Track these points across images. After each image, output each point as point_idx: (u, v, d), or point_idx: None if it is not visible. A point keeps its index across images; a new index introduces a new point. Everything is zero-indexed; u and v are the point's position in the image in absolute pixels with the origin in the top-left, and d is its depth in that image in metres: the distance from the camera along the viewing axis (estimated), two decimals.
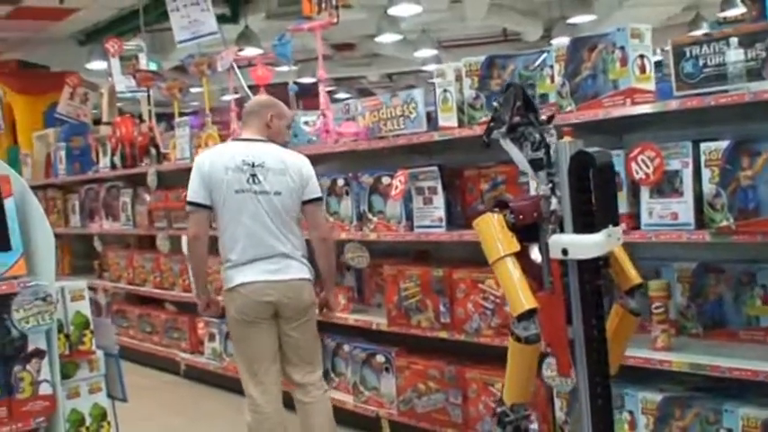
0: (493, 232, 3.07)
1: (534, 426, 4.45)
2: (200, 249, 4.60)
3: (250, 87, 6.93)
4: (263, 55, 7.58)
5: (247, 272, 4.46)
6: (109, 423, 4.04)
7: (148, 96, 8.82)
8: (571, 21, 13.18)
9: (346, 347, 5.86)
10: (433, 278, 5.00)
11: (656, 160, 3.82)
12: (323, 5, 5.73)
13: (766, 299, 3.90)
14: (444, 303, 4.92)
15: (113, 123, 9.04)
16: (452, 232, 4.92)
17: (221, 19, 10.23)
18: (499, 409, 3.15)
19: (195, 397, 7.21)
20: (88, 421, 3.95)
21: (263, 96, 5.17)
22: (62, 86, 11.00)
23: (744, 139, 3.61)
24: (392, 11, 11.99)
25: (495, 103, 3.29)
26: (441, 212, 4.98)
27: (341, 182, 5.70)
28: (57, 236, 3.99)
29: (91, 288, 4.00)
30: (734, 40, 3.65)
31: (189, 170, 4.64)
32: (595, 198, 2.97)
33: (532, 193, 3.18)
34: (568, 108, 4.26)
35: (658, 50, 5.59)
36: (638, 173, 3.89)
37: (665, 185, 3.85)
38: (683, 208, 3.79)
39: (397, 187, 5.08)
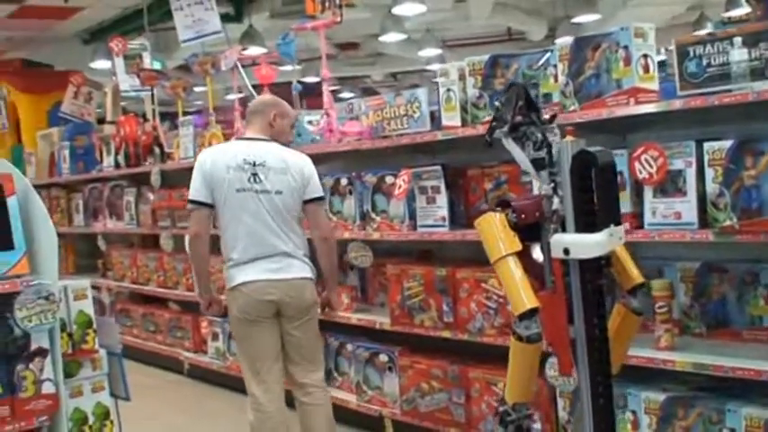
0: (495, 231, 3.07)
1: (537, 425, 4.45)
2: (201, 248, 4.61)
3: (254, 86, 6.93)
4: (267, 54, 7.57)
5: (249, 271, 4.46)
6: (112, 422, 4.05)
7: (152, 95, 8.83)
8: (576, 20, 13.16)
9: (349, 347, 5.86)
10: (436, 277, 5.00)
11: (660, 160, 3.82)
12: (326, 4, 5.72)
13: None
14: (447, 303, 4.92)
15: (117, 122, 9.05)
16: (455, 232, 4.92)
17: (225, 18, 10.23)
18: (501, 409, 3.15)
19: (198, 396, 7.22)
20: (91, 420, 3.96)
21: (266, 96, 5.17)
22: (66, 85, 11.01)
23: (747, 139, 3.60)
24: (396, 10, 12.00)
25: (497, 103, 3.29)
26: (444, 212, 4.98)
27: (344, 181, 5.70)
28: (60, 235, 4.00)
29: (95, 287, 4.01)
30: (738, 40, 3.64)
31: (192, 169, 4.64)
32: (597, 197, 2.97)
33: (535, 192, 3.18)
34: (572, 107, 4.25)
35: (662, 50, 5.58)
36: (641, 172, 3.89)
37: (669, 185, 3.84)
38: (687, 207, 3.78)
39: (400, 186, 5.07)
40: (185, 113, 8.06)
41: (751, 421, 3.53)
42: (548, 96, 4.47)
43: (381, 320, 5.48)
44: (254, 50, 10.45)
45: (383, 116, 5.39)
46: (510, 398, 3.14)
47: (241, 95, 7.55)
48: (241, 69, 7.00)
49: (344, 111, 5.91)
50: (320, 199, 4.67)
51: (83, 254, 10.35)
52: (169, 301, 8.36)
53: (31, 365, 3.66)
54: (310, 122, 6.15)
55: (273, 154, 4.52)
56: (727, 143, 3.62)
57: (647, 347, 3.97)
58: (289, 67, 8.58)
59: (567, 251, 2.96)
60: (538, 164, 3.11)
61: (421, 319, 5.11)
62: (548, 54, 4.49)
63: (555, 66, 4.40)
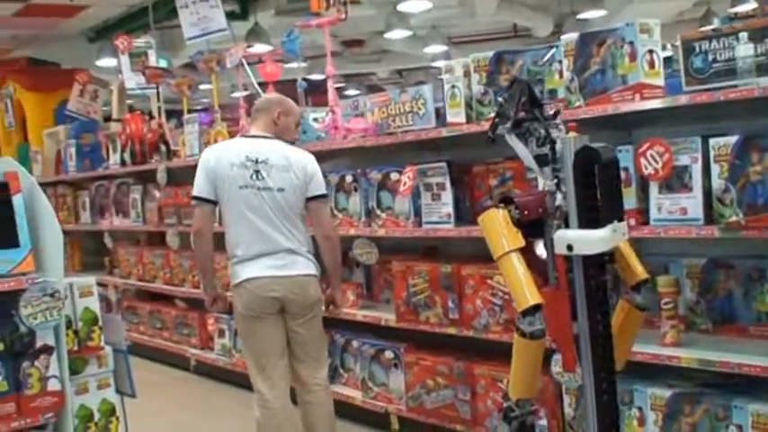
0: (498, 228, 3.07)
1: (543, 422, 4.45)
2: (204, 244, 4.62)
3: (259, 84, 6.93)
4: (273, 51, 7.57)
5: (253, 267, 4.47)
6: (117, 419, 4.05)
7: (158, 93, 8.82)
8: (581, 16, 13.14)
9: (355, 343, 5.86)
10: (441, 274, 4.99)
11: (665, 156, 3.81)
12: (331, 2, 5.72)
13: None
14: (453, 299, 4.92)
15: (123, 120, 9.05)
16: (461, 228, 4.91)
17: (231, 15, 10.24)
18: (505, 405, 3.15)
19: (205, 393, 7.22)
20: (97, 417, 3.96)
21: (272, 94, 5.18)
22: (72, 83, 11.04)
23: (753, 135, 3.58)
24: (401, 7, 12.01)
25: (500, 99, 3.29)
26: (449, 208, 4.97)
27: (349, 178, 5.69)
28: (67, 232, 4.00)
29: (102, 284, 4.03)
30: (743, 35, 3.63)
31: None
32: (600, 193, 2.96)
33: (540, 188, 3.17)
34: (577, 103, 4.24)
35: (669, 46, 5.57)
36: (647, 168, 3.88)
37: (674, 181, 3.83)
38: (693, 203, 3.77)
39: (405, 183, 5.07)
40: (191, 111, 8.06)
41: (758, 417, 3.52)
42: (553, 92, 4.46)
43: (387, 317, 5.48)
44: (259, 48, 10.46)
45: (388, 113, 5.39)
46: (514, 394, 3.14)
47: (246, 93, 7.55)
48: (246, 67, 7.00)
49: (349, 108, 5.92)
50: (323, 197, 4.66)
51: (89, 251, 10.36)
52: (175, 298, 8.37)
53: (36, 363, 3.66)
54: (316, 120, 6.15)
55: (276, 151, 4.52)
56: (733, 139, 3.61)
57: (653, 344, 3.97)
58: (294, 65, 8.57)
59: (570, 247, 2.95)
60: (541, 160, 3.10)
61: (426, 315, 5.11)
62: (553, 50, 4.49)
63: (560, 62, 4.39)
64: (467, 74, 4.86)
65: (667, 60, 4.35)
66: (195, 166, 4.64)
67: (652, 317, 4.06)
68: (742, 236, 3.59)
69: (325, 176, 4.81)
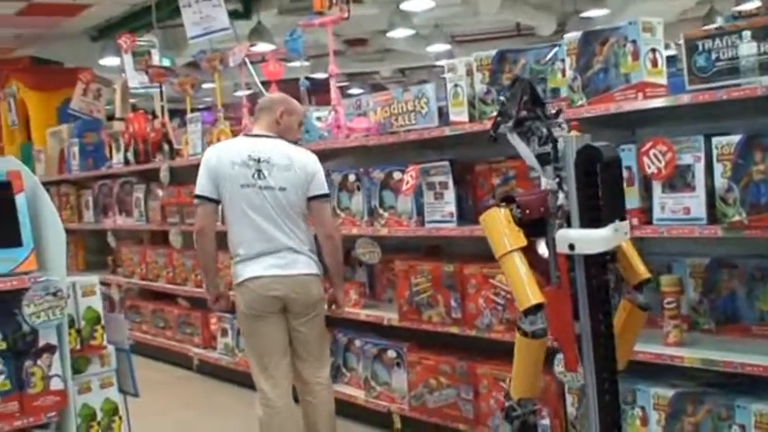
0: (499, 227, 3.07)
1: (546, 421, 4.45)
2: (206, 243, 4.63)
3: (262, 83, 6.93)
4: (275, 50, 7.57)
5: (255, 266, 4.48)
6: (120, 418, 4.06)
7: (161, 92, 8.82)
8: (585, 15, 13.13)
9: (358, 343, 5.86)
10: (444, 273, 4.99)
11: (668, 155, 3.80)
12: (334, 1, 5.72)
13: None
14: (455, 298, 4.92)
15: (126, 119, 9.06)
16: (463, 227, 4.91)
17: (234, 14, 10.23)
18: (507, 404, 3.15)
19: (208, 392, 7.23)
20: (99, 416, 3.96)
21: (276, 93, 5.17)
22: (75, 82, 11.04)
23: (756, 134, 3.57)
24: (404, 6, 12.00)
25: (501, 98, 3.29)
26: (452, 207, 4.97)
27: (352, 177, 5.69)
28: (70, 232, 4.01)
29: (105, 283, 4.02)
30: (747, 34, 3.62)
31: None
32: (602, 193, 2.96)
33: (543, 187, 3.16)
34: (580, 102, 4.24)
35: (672, 45, 5.56)
36: (650, 167, 3.87)
37: (677, 180, 3.82)
38: (696, 203, 3.77)
39: (408, 182, 5.07)
40: (194, 110, 8.06)
41: (761, 417, 3.51)
42: (555, 91, 4.46)
43: (389, 316, 5.48)
44: (262, 47, 10.46)
45: (391, 112, 5.39)
46: (515, 393, 3.14)
47: (249, 92, 7.55)
48: (249, 66, 7.00)
49: (352, 107, 5.91)
50: (324, 196, 4.65)
51: (93, 250, 10.38)
52: (178, 297, 8.38)
53: (39, 362, 3.66)
54: (319, 119, 6.15)
55: (278, 150, 4.52)
56: (736, 138, 3.60)
57: (656, 343, 3.97)
58: (297, 64, 8.57)
59: (572, 246, 2.95)
60: (543, 159, 3.10)
61: (429, 314, 5.10)
62: (555, 49, 4.48)
63: (563, 60, 4.39)
64: (469, 73, 4.85)
65: (671, 59, 4.34)
66: (198, 166, 4.64)
67: (655, 316, 4.05)
68: (745, 235, 3.58)
69: (327, 175, 4.80)
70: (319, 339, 4.70)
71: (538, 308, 2.95)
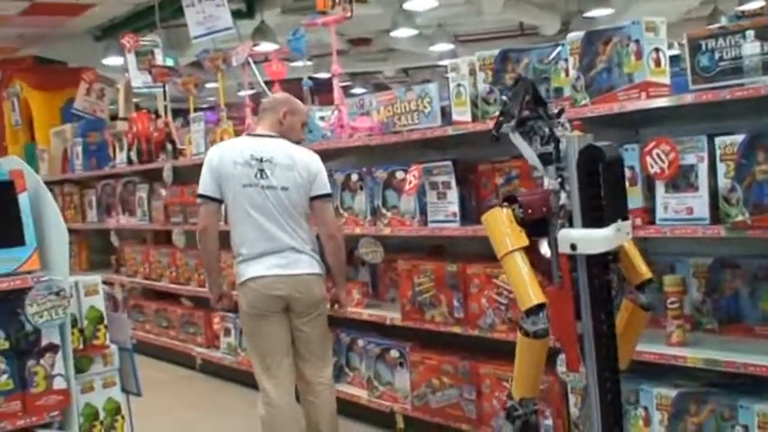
0: (501, 227, 3.06)
1: (549, 421, 4.44)
2: (209, 242, 4.64)
3: (265, 83, 6.93)
4: (279, 50, 7.57)
5: (257, 266, 4.48)
6: (123, 417, 4.07)
7: (164, 92, 8.83)
8: (589, 14, 13.11)
9: (360, 342, 5.86)
10: (446, 273, 4.99)
11: (672, 154, 3.79)
12: (337, 0, 5.72)
13: None
14: (458, 298, 4.91)
15: (130, 119, 9.06)
16: (466, 227, 4.90)
17: (237, 14, 10.22)
18: (508, 404, 3.15)
19: (210, 391, 7.23)
20: (102, 415, 3.97)
21: (279, 93, 5.17)
22: (79, 82, 11.04)
23: (759, 133, 3.57)
24: (408, 5, 12.00)
25: (504, 97, 3.28)
26: (455, 207, 4.97)
27: (355, 177, 5.69)
28: (74, 231, 4.01)
29: (108, 283, 4.03)
30: (750, 33, 3.61)
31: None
32: (604, 192, 2.96)
33: (546, 187, 3.16)
34: (583, 102, 4.23)
35: (675, 44, 5.55)
36: (653, 167, 3.86)
37: (681, 180, 3.82)
38: (699, 203, 3.76)
39: (410, 182, 5.07)
40: (197, 110, 8.06)
41: (764, 417, 3.51)
42: (559, 91, 4.45)
43: (392, 316, 5.48)
44: (265, 46, 10.46)
45: (394, 111, 5.38)
46: (517, 393, 3.14)
47: (253, 92, 7.55)
48: (253, 65, 7.00)
49: (355, 106, 5.91)
50: (327, 196, 4.65)
51: (96, 250, 10.38)
52: (181, 296, 8.38)
53: (42, 361, 3.67)
54: (322, 118, 6.15)
55: (281, 150, 4.53)
56: (740, 138, 3.59)
57: (659, 343, 3.97)
58: (300, 63, 8.57)
59: (573, 246, 2.95)
60: (545, 159, 3.10)
61: (432, 314, 5.10)
62: (559, 48, 4.48)
63: (566, 60, 4.38)
64: (472, 72, 4.85)
65: (674, 59, 4.34)
66: (201, 165, 4.65)
67: (658, 316, 4.05)
68: (748, 235, 3.57)
69: (330, 175, 4.80)
70: (322, 339, 4.70)
71: (540, 308, 2.95)
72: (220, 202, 4.59)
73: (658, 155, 3.83)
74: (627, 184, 3.86)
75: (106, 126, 10.25)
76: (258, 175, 4.46)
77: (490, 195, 4.90)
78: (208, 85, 9.81)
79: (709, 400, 3.75)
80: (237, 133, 6.83)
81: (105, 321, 3.99)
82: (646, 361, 3.87)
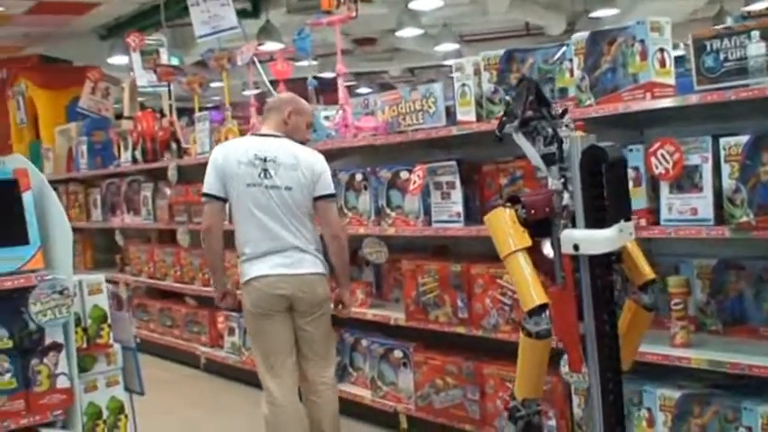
0: (504, 227, 3.06)
1: (552, 422, 4.44)
2: (214, 241, 4.64)
3: (270, 82, 6.93)
4: (284, 50, 7.57)
5: (261, 265, 4.49)
6: (126, 416, 4.07)
7: (169, 91, 8.83)
8: (594, 14, 13.10)
9: (364, 342, 5.86)
10: (451, 273, 4.98)
11: (676, 155, 3.79)
12: (342, 0, 5.72)
13: None
14: (462, 298, 4.91)
15: (134, 118, 9.07)
16: (471, 227, 4.90)
17: (242, 14, 10.24)
18: (511, 404, 3.14)
19: (215, 390, 7.23)
20: (105, 414, 3.97)
21: (285, 93, 5.17)
22: (84, 81, 11.05)
23: (764, 134, 3.55)
24: (413, 5, 11.99)
25: (507, 98, 3.29)
26: (459, 207, 4.96)
27: (359, 176, 5.69)
28: (79, 230, 4.01)
29: (113, 282, 4.03)
30: (755, 34, 3.60)
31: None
32: (607, 193, 2.96)
33: (550, 188, 3.16)
34: (588, 102, 4.23)
35: (681, 45, 5.54)
36: (657, 168, 3.86)
37: (685, 181, 3.81)
38: (703, 203, 3.75)
39: (415, 182, 5.06)
40: (202, 109, 8.06)
41: (767, 419, 3.50)
42: (563, 91, 4.45)
43: (396, 316, 5.47)
44: (270, 46, 10.47)
45: (398, 111, 5.38)
46: (519, 393, 3.14)
47: (258, 91, 7.55)
48: (258, 65, 7.00)
49: (360, 106, 5.91)
50: (330, 196, 4.64)
51: (101, 249, 10.40)
52: (186, 295, 8.38)
53: (45, 360, 3.67)
54: (327, 118, 6.15)
55: (285, 150, 4.53)
56: (744, 138, 3.58)
57: (663, 344, 3.96)
58: (305, 63, 8.57)
59: (576, 247, 2.95)
60: (548, 159, 3.10)
61: (436, 314, 5.10)
62: (563, 48, 4.47)
63: (571, 60, 4.38)
64: (477, 72, 4.84)
65: (679, 59, 4.33)
66: (206, 164, 4.65)
67: (662, 317, 4.05)
68: (753, 236, 3.56)
69: (334, 175, 4.79)
70: (325, 339, 4.70)
71: (542, 308, 2.95)
72: (225, 201, 4.59)
73: (663, 155, 3.82)
74: (631, 184, 3.87)
75: (111, 125, 10.25)
76: (262, 175, 4.46)
77: (494, 195, 4.90)
78: (213, 85, 9.85)
79: (713, 402, 3.74)
80: (242, 133, 6.83)
81: (109, 320, 3.99)
82: (649, 362, 3.87)
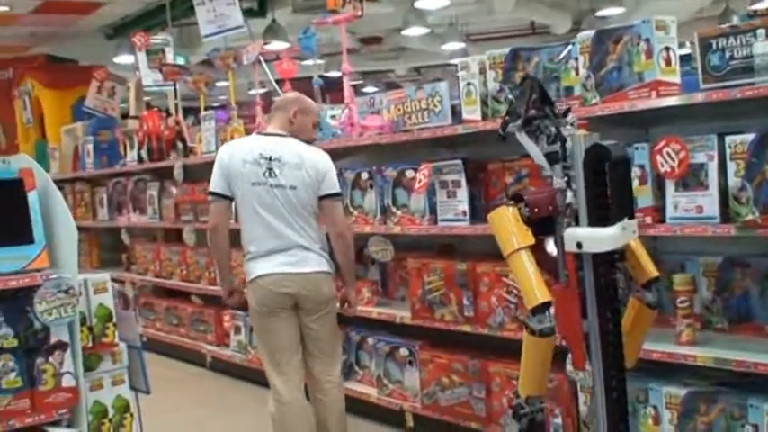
0: (507, 225, 3.07)
1: (558, 420, 4.44)
2: (220, 240, 4.66)
3: (276, 81, 6.94)
4: (290, 49, 7.58)
5: (266, 264, 4.50)
6: (132, 415, 4.07)
7: (175, 90, 8.85)
8: (600, 13, 13.09)
9: (370, 340, 5.86)
10: (456, 272, 4.98)
11: (682, 153, 3.78)
12: None
13: None
14: (468, 297, 4.91)
15: (140, 117, 9.08)
16: (476, 226, 4.90)
17: (249, 13, 10.26)
18: (515, 402, 3.15)
19: (221, 389, 7.24)
20: (111, 413, 3.97)
21: (291, 93, 5.17)
22: (90, 80, 11.06)
23: None
24: (419, 4, 12.00)
25: (510, 96, 3.29)
26: (464, 206, 4.96)
27: (365, 175, 5.69)
28: (85, 229, 4.02)
29: (119, 281, 4.03)
30: (761, 32, 3.59)
31: (214, 164, 4.67)
32: (611, 191, 2.96)
33: (555, 186, 3.16)
34: (593, 101, 4.22)
35: (687, 43, 5.54)
36: (663, 166, 3.85)
37: (691, 179, 3.80)
38: (709, 201, 3.74)
39: (420, 181, 5.07)
40: (208, 108, 8.07)
41: None
42: (569, 90, 4.44)
43: (402, 314, 5.48)
44: (276, 45, 10.48)
45: (404, 110, 5.38)
46: (523, 391, 3.14)
47: (263, 90, 7.56)
48: (264, 64, 7.00)
49: (366, 105, 5.91)
50: (335, 195, 4.64)
51: (107, 248, 10.42)
52: (192, 294, 8.39)
53: (50, 359, 3.67)
54: (333, 117, 6.15)
55: (289, 149, 4.53)
56: (750, 137, 3.58)
57: (669, 342, 3.95)
58: (311, 62, 8.57)
59: (579, 245, 2.95)
60: (551, 158, 3.10)
61: (441, 313, 5.10)
62: (569, 47, 4.47)
63: (576, 59, 4.37)
64: (482, 71, 4.84)
65: (685, 58, 4.32)
66: (212, 163, 4.67)
67: (668, 315, 4.05)
68: (758, 234, 3.56)
69: (340, 174, 4.79)
70: (331, 337, 4.70)
71: (546, 306, 2.95)
72: (231, 199, 4.61)
73: (668, 154, 3.82)
74: (637, 182, 3.88)
75: (117, 124, 10.27)
76: (267, 174, 4.46)
77: (500, 194, 4.90)
78: (219, 84, 9.84)
79: (719, 400, 3.73)
80: (248, 132, 6.83)
81: (114, 319, 4.00)
82: (655, 360, 3.87)
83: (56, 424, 3.74)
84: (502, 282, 4.71)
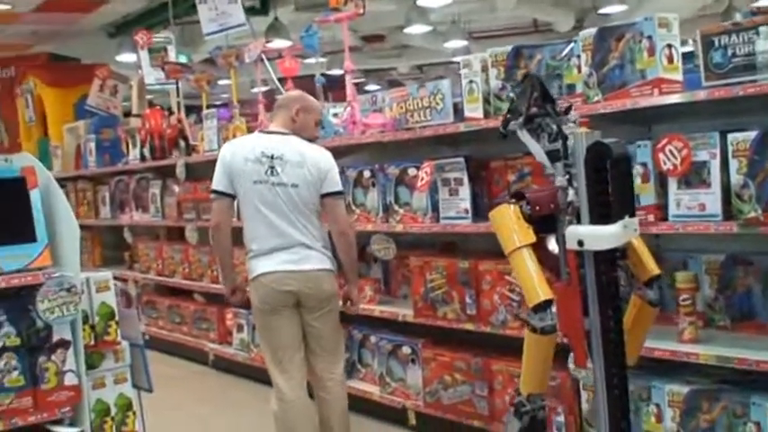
0: (508, 223, 3.07)
1: (561, 418, 4.43)
2: (222, 238, 4.67)
3: (278, 79, 6.93)
4: (292, 47, 7.57)
5: (268, 262, 4.50)
6: (134, 413, 4.08)
7: (177, 88, 8.85)
8: (603, 11, 13.06)
9: (373, 339, 5.86)
10: (458, 270, 4.98)
11: (684, 151, 3.78)
12: None
13: None
14: (470, 295, 4.90)
15: (143, 115, 9.09)
16: (478, 224, 4.89)
17: (251, 11, 10.24)
18: (516, 399, 3.15)
19: (223, 387, 7.24)
20: (113, 411, 3.98)
21: (294, 91, 5.16)
22: (92, 79, 11.07)
23: None
24: (421, 2, 11.99)
25: (511, 94, 3.29)
26: (467, 204, 4.96)
27: (367, 173, 5.69)
28: (87, 227, 4.02)
29: (122, 279, 4.03)
30: (764, 30, 3.59)
31: (217, 162, 4.67)
32: (612, 189, 2.95)
33: (556, 184, 3.16)
34: (596, 98, 4.22)
35: (689, 41, 5.53)
36: (665, 163, 3.85)
37: (693, 176, 3.80)
38: (711, 199, 3.74)
39: (422, 179, 5.06)
40: (210, 106, 8.06)
41: None
42: (571, 87, 4.44)
43: (404, 312, 5.47)
44: (278, 43, 10.47)
45: (406, 108, 5.38)
46: (525, 389, 3.15)
47: (266, 88, 7.55)
48: (266, 62, 7.00)
49: (368, 103, 5.91)
50: (337, 193, 4.64)
51: (109, 246, 10.42)
52: (194, 292, 8.39)
53: (53, 357, 3.68)
54: (336, 115, 6.15)
55: (291, 147, 4.53)
56: (752, 134, 3.58)
57: (671, 340, 3.95)
58: (313, 60, 8.58)
59: (581, 243, 2.95)
60: (553, 155, 3.10)
61: (444, 311, 5.10)
62: (571, 45, 4.47)
63: (578, 56, 4.37)
64: (484, 69, 4.84)
65: (687, 55, 4.32)
66: (214, 162, 4.67)
67: (670, 313, 4.04)
68: (761, 232, 3.55)
69: (342, 172, 4.79)
70: (333, 334, 4.70)
71: (547, 304, 2.95)
72: (233, 197, 4.61)
73: (671, 151, 3.82)
74: (639, 180, 3.88)
75: (119, 123, 10.26)
76: (269, 172, 4.46)
77: (502, 192, 4.90)
78: (221, 82, 9.86)
79: (722, 398, 3.73)
80: (250, 130, 6.83)
81: (116, 317, 4.00)
82: (658, 358, 3.87)
83: (58, 422, 3.74)
84: (504, 280, 4.70)
